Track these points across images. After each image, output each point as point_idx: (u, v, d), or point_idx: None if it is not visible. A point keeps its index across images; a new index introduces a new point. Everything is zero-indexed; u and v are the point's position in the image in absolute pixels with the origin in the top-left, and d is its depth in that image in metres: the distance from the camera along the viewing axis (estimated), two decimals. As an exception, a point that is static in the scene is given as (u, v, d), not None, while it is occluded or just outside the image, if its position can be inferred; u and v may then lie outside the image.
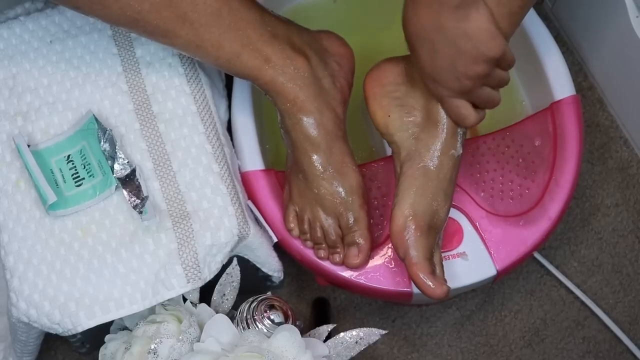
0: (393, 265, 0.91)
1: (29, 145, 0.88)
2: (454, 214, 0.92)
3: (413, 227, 0.84)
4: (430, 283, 0.83)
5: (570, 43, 1.17)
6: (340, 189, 0.88)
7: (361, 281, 0.91)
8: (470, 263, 0.91)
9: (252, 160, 0.94)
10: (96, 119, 0.88)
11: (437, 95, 0.82)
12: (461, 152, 0.86)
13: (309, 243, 0.92)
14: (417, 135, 0.86)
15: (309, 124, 0.86)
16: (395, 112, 0.87)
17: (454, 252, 0.91)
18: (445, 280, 0.85)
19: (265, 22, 0.84)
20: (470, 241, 0.92)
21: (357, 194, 0.89)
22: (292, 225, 0.92)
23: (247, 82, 0.97)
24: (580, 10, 1.12)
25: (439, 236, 0.87)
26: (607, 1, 1.03)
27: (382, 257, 0.92)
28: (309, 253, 0.92)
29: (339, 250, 0.91)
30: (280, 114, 0.88)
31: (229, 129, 0.97)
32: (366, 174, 0.93)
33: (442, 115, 0.84)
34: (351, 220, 0.89)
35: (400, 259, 0.85)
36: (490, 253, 0.92)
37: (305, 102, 0.86)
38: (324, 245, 0.91)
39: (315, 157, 0.87)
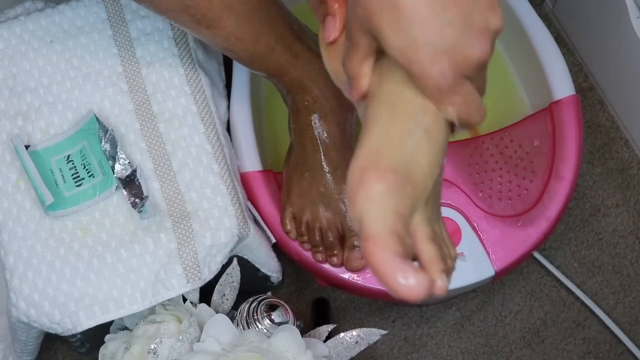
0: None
1: (28, 146, 0.89)
2: (452, 214, 0.92)
3: (373, 180, 0.51)
4: (395, 274, 0.48)
5: (571, 43, 1.17)
6: None
7: (359, 282, 0.91)
8: (468, 264, 0.91)
9: (251, 161, 0.95)
10: (97, 119, 0.88)
11: None
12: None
13: (307, 245, 0.92)
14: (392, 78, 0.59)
15: (327, 121, 0.87)
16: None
17: (453, 252, 0.91)
18: (447, 259, 0.54)
19: (292, 21, 0.86)
20: (468, 242, 0.92)
21: None
22: (289, 227, 0.92)
23: (246, 83, 0.97)
24: (581, 10, 1.12)
25: (427, 201, 0.54)
26: (607, 2, 1.03)
27: (381, 257, 0.92)
28: (307, 254, 0.92)
29: (336, 252, 0.91)
30: (296, 111, 0.88)
31: (228, 129, 0.97)
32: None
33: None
34: None
35: (358, 236, 0.52)
36: (488, 254, 0.92)
37: (327, 100, 0.87)
38: (321, 248, 0.91)
39: (328, 155, 0.88)
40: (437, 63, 0.51)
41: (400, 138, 0.53)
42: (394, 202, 0.51)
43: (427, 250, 0.52)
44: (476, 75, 0.53)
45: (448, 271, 0.52)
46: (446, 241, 0.57)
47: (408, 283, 0.47)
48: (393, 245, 0.49)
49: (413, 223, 0.52)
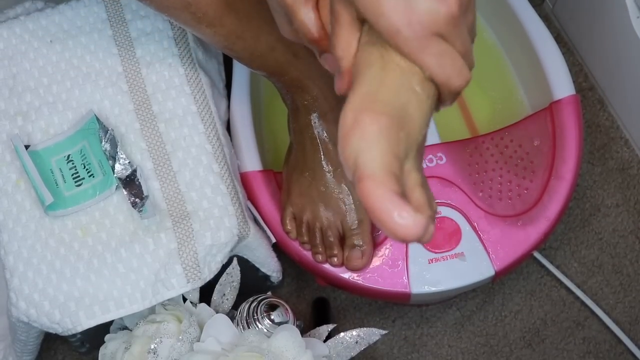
0: (391, 266, 0.91)
1: (28, 146, 0.89)
2: (452, 214, 0.92)
3: (368, 120, 0.51)
4: (391, 208, 0.47)
5: (571, 43, 1.17)
6: (348, 189, 0.89)
7: (359, 282, 0.91)
8: (468, 263, 0.91)
9: (251, 160, 0.95)
10: (97, 119, 0.88)
11: None
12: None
13: (307, 246, 0.92)
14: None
15: (327, 120, 0.87)
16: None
17: (452, 252, 0.91)
18: (432, 206, 0.52)
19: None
20: (468, 241, 0.92)
21: None
22: (289, 227, 0.92)
23: (246, 83, 0.97)
24: (581, 10, 1.12)
25: (417, 151, 0.53)
26: (607, 2, 1.03)
27: (380, 258, 0.92)
28: (307, 254, 0.92)
29: (336, 252, 0.91)
30: (296, 110, 0.88)
31: (228, 129, 0.97)
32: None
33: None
34: (355, 221, 0.89)
35: (350, 180, 0.51)
36: (488, 253, 0.92)
37: (326, 99, 0.87)
38: (321, 249, 0.91)
39: (327, 154, 0.88)
40: (402, 16, 0.51)
41: (393, 87, 0.52)
42: (388, 143, 0.50)
43: (419, 194, 0.51)
44: (450, 34, 0.52)
45: (433, 218, 0.52)
46: (429, 191, 0.54)
47: (405, 222, 0.47)
48: (390, 183, 0.48)
49: (405, 169, 0.51)
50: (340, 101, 0.88)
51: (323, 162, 0.89)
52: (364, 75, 0.54)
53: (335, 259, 0.91)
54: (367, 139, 0.50)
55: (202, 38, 0.86)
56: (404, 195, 0.49)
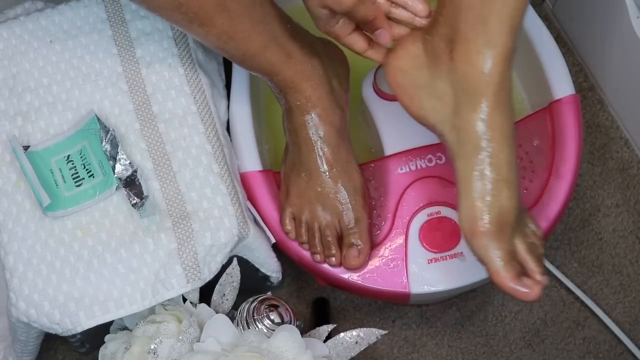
0: (390, 266, 0.91)
1: (28, 146, 0.89)
2: (451, 214, 0.92)
3: (480, 233, 0.74)
4: (518, 287, 0.73)
5: (571, 43, 1.17)
6: (345, 189, 0.89)
7: (358, 282, 0.91)
8: (468, 264, 0.91)
9: (250, 161, 0.95)
10: (98, 119, 0.88)
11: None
12: (512, 127, 0.74)
13: (306, 246, 0.92)
14: (454, 123, 0.76)
15: (321, 121, 0.87)
16: (426, 102, 0.78)
17: (451, 252, 0.91)
18: (541, 270, 0.75)
19: (286, 20, 0.86)
20: (467, 242, 0.92)
21: (360, 194, 0.90)
22: (289, 227, 0.92)
23: (245, 83, 0.97)
24: (581, 10, 1.12)
25: (521, 223, 0.76)
26: (607, 2, 1.03)
27: (379, 258, 0.92)
28: (307, 255, 0.92)
29: (334, 252, 0.91)
30: (289, 111, 0.88)
31: (228, 129, 0.97)
32: (364, 174, 0.93)
33: (475, 90, 0.73)
34: (352, 220, 0.89)
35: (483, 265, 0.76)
36: (488, 253, 0.92)
37: (320, 99, 0.87)
38: (319, 249, 0.91)
39: (323, 154, 0.88)
40: None
41: (489, 198, 0.74)
42: (499, 243, 0.74)
43: (529, 261, 0.75)
44: None
45: (541, 259, 0.77)
46: (535, 232, 0.79)
47: (531, 292, 0.73)
48: (511, 273, 0.74)
49: (516, 245, 0.75)
50: (335, 101, 0.88)
51: (319, 163, 0.88)
52: (465, 197, 0.75)
53: (334, 259, 0.91)
54: (484, 247, 0.74)
55: (194, 37, 0.86)
56: (522, 269, 0.74)
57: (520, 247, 0.75)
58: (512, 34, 0.72)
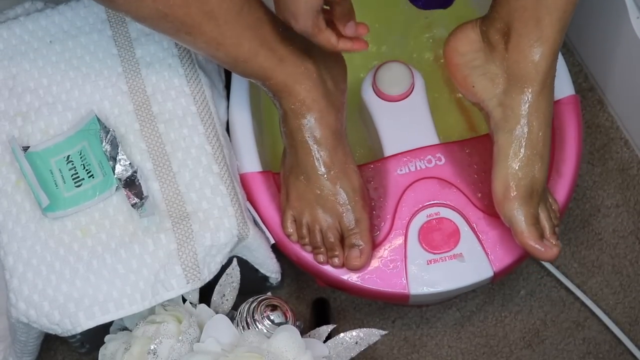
0: (390, 267, 0.91)
1: (28, 147, 0.89)
2: (451, 214, 0.92)
3: (512, 197, 0.85)
4: (538, 247, 0.85)
5: (571, 44, 1.17)
6: (344, 190, 0.89)
7: (358, 283, 0.91)
8: (467, 264, 0.91)
9: (250, 162, 0.94)
10: (99, 120, 0.88)
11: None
12: (551, 110, 0.86)
13: (308, 247, 0.92)
14: (502, 101, 0.86)
15: (317, 123, 0.87)
16: (479, 81, 0.87)
17: (451, 253, 0.91)
18: (557, 237, 0.87)
19: (278, 23, 0.85)
20: (467, 242, 0.92)
21: (359, 195, 0.90)
22: (290, 230, 0.92)
23: (245, 83, 0.97)
24: (581, 10, 1.12)
25: (544, 195, 0.88)
26: (607, 2, 1.03)
27: (379, 259, 0.91)
28: (306, 255, 0.92)
29: (337, 253, 0.91)
30: (285, 114, 0.88)
31: (228, 130, 0.97)
32: (363, 175, 0.93)
33: (525, 76, 0.84)
34: (353, 221, 0.89)
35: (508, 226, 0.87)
36: (487, 254, 0.91)
37: (314, 102, 0.87)
38: (322, 250, 0.91)
39: (320, 157, 0.88)
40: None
41: (525, 168, 0.85)
42: (528, 208, 0.85)
43: (547, 228, 0.87)
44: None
45: (557, 232, 0.88)
46: (553, 205, 0.90)
47: (549, 252, 0.86)
48: (534, 234, 0.85)
49: (538, 211, 0.86)
50: (330, 103, 0.88)
51: (316, 165, 0.88)
52: (503, 164, 0.85)
53: (337, 260, 0.91)
54: (514, 209, 0.85)
55: (184, 45, 0.86)
56: (542, 233, 0.86)
57: (543, 215, 0.87)
58: (562, 31, 0.84)
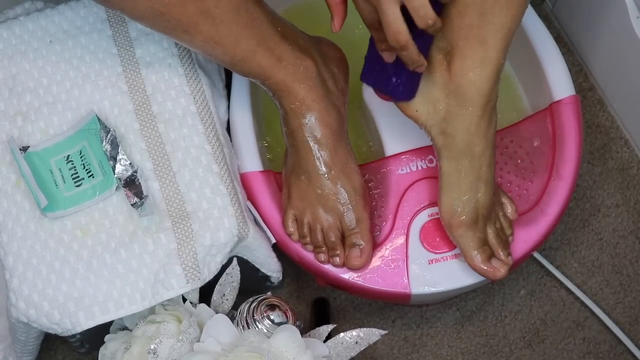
0: (391, 267, 0.91)
1: (28, 147, 0.89)
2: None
3: (458, 223, 0.86)
4: (486, 268, 0.87)
5: (571, 43, 1.17)
6: (344, 190, 0.89)
7: (359, 282, 0.91)
8: (467, 264, 0.91)
9: (251, 161, 0.94)
10: (99, 120, 0.88)
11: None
12: (494, 133, 0.85)
13: (309, 247, 0.92)
14: (444, 129, 0.84)
15: (317, 123, 0.87)
16: (421, 106, 0.85)
17: (451, 253, 0.91)
18: (508, 252, 0.89)
19: (276, 22, 0.85)
20: (468, 242, 0.92)
21: (360, 195, 0.89)
22: (291, 229, 0.92)
23: (246, 83, 0.97)
24: (581, 10, 1.12)
25: (492, 214, 0.88)
26: (607, 2, 1.03)
27: (380, 259, 0.91)
28: (307, 254, 0.92)
29: (338, 252, 0.91)
30: (285, 114, 0.88)
31: (228, 129, 0.97)
32: (364, 174, 0.93)
33: (467, 101, 0.82)
34: (353, 221, 0.89)
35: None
36: (487, 254, 0.92)
37: (314, 102, 0.86)
38: (324, 249, 0.91)
39: (320, 157, 0.88)
40: None
41: (468, 194, 0.85)
42: (473, 233, 0.87)
43: (496, 246, 0.88)
44: None
45: (508, 245, 0.90)
46: (508, 209, 0.91)
47: (498, 272, 0.87)
48: (482, 257, 0.87)
49: (485, 232, 0.88)
50: (330, 102, 0.88)
51: (317, 165, 0.88)
52: (446, 192, 0.86)
53: (338, 259, 0.91)
54: (460, 236, 0.87)
55: (181, 44, 0.86)
56: (490, 254, 0.88)
57: (492, 233, 0.88)
58: (505, 52, 0.81)
